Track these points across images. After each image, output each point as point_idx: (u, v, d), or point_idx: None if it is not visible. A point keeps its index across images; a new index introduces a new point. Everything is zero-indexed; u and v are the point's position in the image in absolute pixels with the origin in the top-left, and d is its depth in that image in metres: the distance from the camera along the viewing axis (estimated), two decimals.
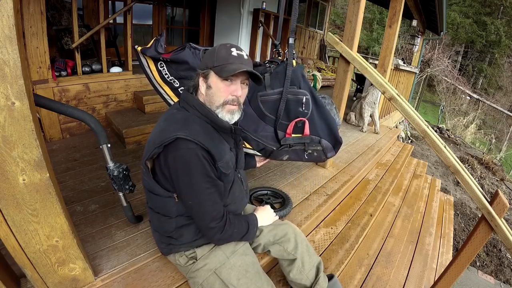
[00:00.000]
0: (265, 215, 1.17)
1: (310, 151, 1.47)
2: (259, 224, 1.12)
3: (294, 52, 1.37)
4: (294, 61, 1.37)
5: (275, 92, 1.37)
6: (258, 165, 1.50)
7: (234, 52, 0.91)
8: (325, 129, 1.47)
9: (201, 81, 0.94)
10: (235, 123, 0.99)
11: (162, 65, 1.44)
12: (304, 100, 1.38)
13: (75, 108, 1.09)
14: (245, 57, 0.93)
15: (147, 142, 0.93)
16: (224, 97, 0.92)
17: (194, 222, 0.98)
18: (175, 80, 1.45)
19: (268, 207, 1.22)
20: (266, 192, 1.75)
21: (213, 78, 0.91)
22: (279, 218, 1.28)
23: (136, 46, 1.46)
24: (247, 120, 1.38)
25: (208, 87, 0.93)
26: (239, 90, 0.93)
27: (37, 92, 2.14)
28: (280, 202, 1.69)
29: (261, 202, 1.68)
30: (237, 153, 1.09)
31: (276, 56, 1.50)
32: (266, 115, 1.40)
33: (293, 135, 1.44)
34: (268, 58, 4.30)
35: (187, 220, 0.99)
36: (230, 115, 0.94)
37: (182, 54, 1.37)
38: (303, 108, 1.39)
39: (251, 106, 1.41)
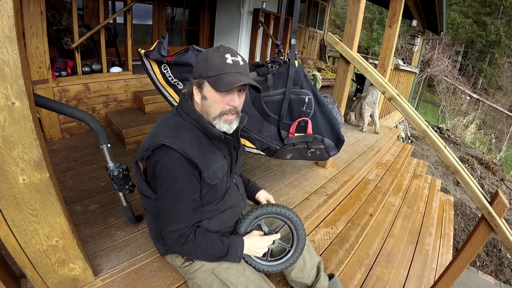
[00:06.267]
0: (254, 244, 1.00)
1: (313, 150, 1.49)
2: (245, 252, 0.98)
3: (296, 52, 1.38)
4: (296, 62, 1.38)
5: (278, 93, 1.38)
6: None
7: (229, 59, 0.83)
8: (328, 128, 1.49)
9: (195, 90, 0.89)
10: (236, 129, 0.94)
11: (166, 67, 1.46)
12: (306, 100, 1.40)
13: (75, 108, 1.09)
14: (241, 63, 0.86)
15: (141, 144, 0.93)
16: (221, 108, 0.86)
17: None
18: (179, 82, 1.47)
19: (264, 238, 1.02)
20: (280, 224, 1.11)
21: (208, 89, 0.85)
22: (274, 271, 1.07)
23: (139, 49, 1.47)
24: (251, 121, 1.39)
25: (204, 97, 0.87)
26: (236, 100, 0.87)
27: (37, 92, 2.14)
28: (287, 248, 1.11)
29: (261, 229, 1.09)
30: (231, 160, 1.03)
31: (279, 56, 1.50)
32: (270, 115, 1.42)
33: (296, 134, 1.45)
34: (268, 58, 4.32)
35: None
36: (228, 125, 0.89)
37: (185, 56, 1.38)
38: (306, 108, 1.41)
39: (255, 107, 1.42)
